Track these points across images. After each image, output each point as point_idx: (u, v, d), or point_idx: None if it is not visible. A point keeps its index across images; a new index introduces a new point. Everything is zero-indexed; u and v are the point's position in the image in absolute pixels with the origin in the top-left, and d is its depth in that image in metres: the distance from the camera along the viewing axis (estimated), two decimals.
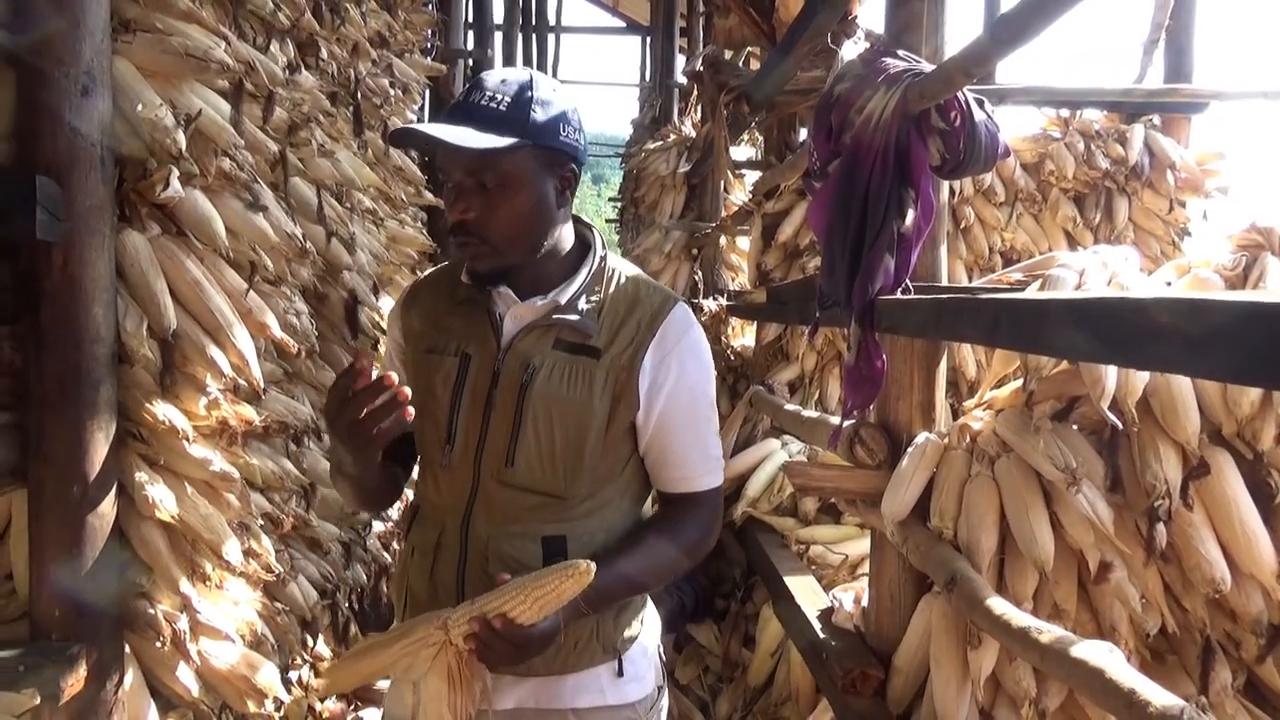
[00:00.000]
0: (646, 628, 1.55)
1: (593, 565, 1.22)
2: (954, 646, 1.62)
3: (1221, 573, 1.49)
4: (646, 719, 1.52)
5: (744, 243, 4.64)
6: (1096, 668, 1.16)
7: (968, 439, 1.77)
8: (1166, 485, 1.49)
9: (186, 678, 1.85)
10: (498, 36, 8.79)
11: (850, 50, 1.89)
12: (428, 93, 5.30)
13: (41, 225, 1.56)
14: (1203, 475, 1.51)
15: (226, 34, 1.97)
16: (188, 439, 1.80)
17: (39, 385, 1.66)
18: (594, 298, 1.43)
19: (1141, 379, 1.53)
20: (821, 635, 2.02)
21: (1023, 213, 3.40)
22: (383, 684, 2.95)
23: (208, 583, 1.86)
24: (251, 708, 1.94)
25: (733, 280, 5.12)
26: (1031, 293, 1.65)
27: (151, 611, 1.79)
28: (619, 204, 8.90)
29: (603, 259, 1.48)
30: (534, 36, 11.48)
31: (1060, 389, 1.66)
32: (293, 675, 2.58)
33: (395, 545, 3.56)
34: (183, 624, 1.81)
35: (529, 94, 1.35)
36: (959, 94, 1.57)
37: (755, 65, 4.35)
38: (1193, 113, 3.28)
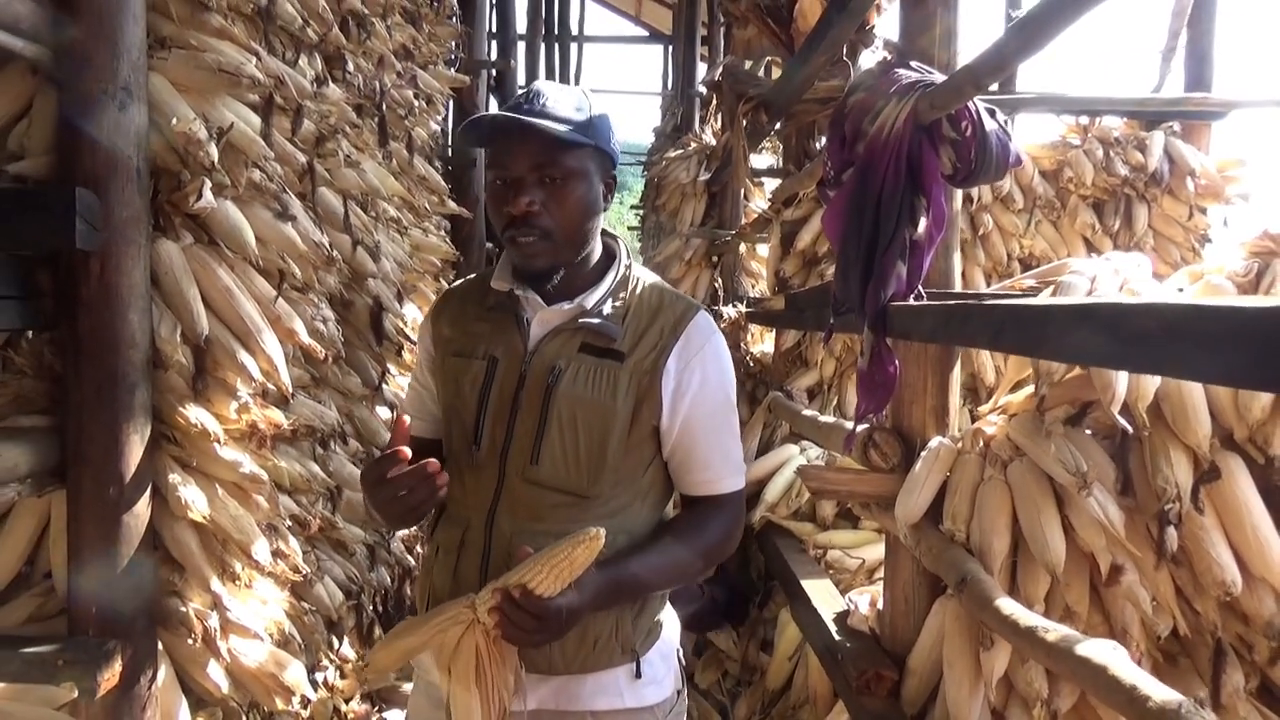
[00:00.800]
0: (665, 631, 1.56)
1: (602, 532, 1.26)
2: (967, 648, 1.64)
3: (1233, 576, 1.50)
4: None
5: (764, 250, 4.66)
6: (1100, 665, 1.18)
7: (981, 443, 1.79)
8: (1177, 489, 1.50)
9: (216, 675, 1.90)
10: (521, 46, 8.85)
11: (868, 59, 1.91)
12: (451, 103, 5.37)
13: (81, 235, 1.62)
14: (1214, 479, 1.52)
15: (257, 49, 2.03)
16: (219, 442, 1.85)
17: (77, 390, 1.72)
18: (618, 303, 1.47)
19: (1152, 383, 1.55)
20: (837, 638, 2.04)
21: (1041, 219, 3.40)
22: (406, 686, 3.00)
23: (237, 582, 1.91)
24: (279, 705, 1.98)
25: (752, 287, 5.13)
26: (1037, 298, 1.67)
27: (183, 609, 1.84)
28: (640, 211, 8.92)
29: (628, 267, 1.52)
30: (557, 46, 11.56)
31: (1072, 394, 1.67)
32: (318, 676, 2.62)
33: (419, 549, 3.61)
34: (213, 622, 1.86)
35: (586, 100, 1.43)
36: (970, 104, 1.60)
37: (775, 74, 4.38)
38: (1213, 119, 3.27)
